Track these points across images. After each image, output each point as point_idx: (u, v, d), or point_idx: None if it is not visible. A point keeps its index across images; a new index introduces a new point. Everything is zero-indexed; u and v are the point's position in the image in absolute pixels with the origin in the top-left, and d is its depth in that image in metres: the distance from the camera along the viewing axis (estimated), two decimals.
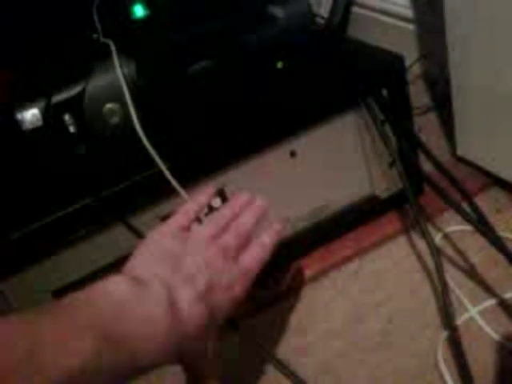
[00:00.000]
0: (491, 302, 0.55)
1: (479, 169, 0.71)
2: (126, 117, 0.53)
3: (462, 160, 0.74)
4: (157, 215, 0.55)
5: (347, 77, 0.63)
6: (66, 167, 0.54)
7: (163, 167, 0.51)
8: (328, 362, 0.55)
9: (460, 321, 0.54)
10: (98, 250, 0.54)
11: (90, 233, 0.53)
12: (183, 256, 0.41)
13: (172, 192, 0.51)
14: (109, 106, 0.54)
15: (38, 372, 0.28)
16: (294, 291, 0.63)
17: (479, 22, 0.60)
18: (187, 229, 0.45)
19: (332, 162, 0.64)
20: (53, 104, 0.53)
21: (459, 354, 0.50)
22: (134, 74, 0.55)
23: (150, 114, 0.54)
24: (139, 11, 0.61)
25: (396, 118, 0.62)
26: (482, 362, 0.50)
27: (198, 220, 0.47)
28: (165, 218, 0.55)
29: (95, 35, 0.62)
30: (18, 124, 0.53)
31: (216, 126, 0.57)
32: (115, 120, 0.54)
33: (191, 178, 0.54)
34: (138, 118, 0.53)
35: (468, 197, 0.59)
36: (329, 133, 0.62)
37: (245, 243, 0.46)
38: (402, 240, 0.66)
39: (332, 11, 0.97)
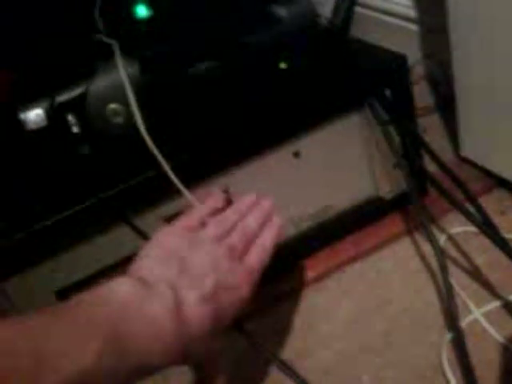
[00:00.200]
0: (495, 303, 0.55)
1: (483, 170, 0.70)
2: (130, 117, 0.53)
3: (465, 161, 0.73)
4: (160, 216, 0.55)
5: (350, 77, 0.62)
6: (69, 167, 0.54)
7: (167, 167, 0.51)
8: (331, 363, 0.54)
9: (464, 322, 0.54)
10: (101, 250, 0.54)
11: (93, 233, 0.53)
12: (189, 257, 0.41)
13: (175, 192, 0.51)
14: (112, 106, 0.54)
15: (43, 375, 0.28)
16: (297, 292, 0.63)
17: (483, 23, 0.60)
18: (193, 230, 0.45)
19: (335, 162, 0.63)
20: (56, 104, 0.53)
21: (463, 356, 0.50)
22: (138, 74, 0.55)
23: (153, 115, 0.53)
24: (142, 11, 0.61)
25: (399, 118, 0.62)
26: (486, 363, 0.50)
27: (204, 222, 0.47)
28: (168, 219, 0.55)
29: (98, 35, 0.62)
30: (21, 124, 0.53)
31: (219, 126, 0.57)
32: (119, 120, 0.54)
33: (195, 179, 0.54)
34: (142, 118, 0.53)
35: (472, 198, 0.59)
36: (332, 133, 0.62)
37: (249, 243, 0.46)
38: (406, 241, 0.66)
39: (335, 11, 0.96)
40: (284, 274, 0.64)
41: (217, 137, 0.56)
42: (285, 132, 0.59)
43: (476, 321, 0.54)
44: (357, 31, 1.05)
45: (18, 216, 0.53)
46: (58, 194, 0.53)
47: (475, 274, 0.59)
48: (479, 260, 0.60)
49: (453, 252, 0.62)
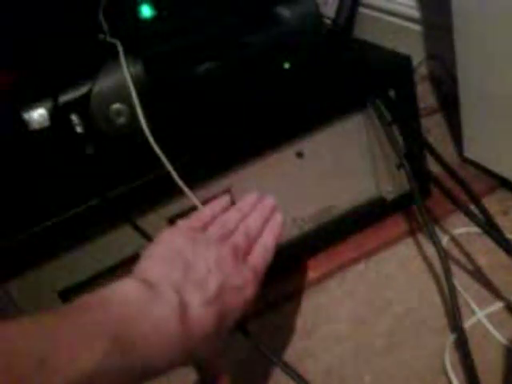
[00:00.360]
0: (499, 304, 0.55)
1: (486, 170, 0.70)
2: (133, 117, 0.53)
3: (468, 161, 0.73)
4: (163, 216, 0.55)
5: (354, 77, 0.62)
6: (72, 168, 0.54)
7: (170, 168, 0.51)
8: (334, 364, 0.54)
9: (467, 324, 0.53)
10: (105, 250, 0.54)
11: (96, 233, 0.53)
12: (193, 257, 0.41)
13: (179, 193, 0.51)
14: (116, 106, 0.54)
15: (50, 376, 0.28)
16: (299, 292, 0.63)
17: (487, 23, 0.59)
18: (197, 231, 0.45)
19: (339, 163, 0.63)
20: (60, 104, 0.53)
21: (466, 357, 0.50)
22: (141, 75, 0.55)
23: (157, 115, 0.53)
24: (146, 11, 0.61)
25: (403, 118, 0.62)
26: (489, 364, 0.49)
27: (207, 223, 0.47)
28: (172, 219, 0.55)
29: (102, 35, 0.62)
30: (25, 124, 0.53)
31: (223, 126, 0.57)
32: (122, 120, 0.54)
33: (198, 179, 0.54)
34: (145, 118, 0.53)
35: (475, 198, 0.59)
36: (336, 134, 0.62)
37: (252, 243, 0.46)
38: (409, 242, 0.66)
39: (338, 12, 0.96)
40: (286, 274, 0.64)
41: (220, 137, 0.56)
42: (288, 132, 0.59)
43: (479, 322, 0.54)
44: (360, 31, 1.05)
45: (22, 216, 0.53)
46: (61, 194, 0.53)
47: (478, 274, 0.59)
48: (482, 261, 0.60)
49: (456, 253, 0.62)
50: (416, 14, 0.96)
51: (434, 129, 0.80)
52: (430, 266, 0.62)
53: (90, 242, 0.53)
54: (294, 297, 0.63)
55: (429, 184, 0.67)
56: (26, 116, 0.53)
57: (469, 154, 0.73)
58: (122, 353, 0.32)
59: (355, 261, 0.65)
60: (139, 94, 0.53)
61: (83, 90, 0.54)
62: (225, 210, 0.49)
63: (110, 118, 0.54)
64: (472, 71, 0.66)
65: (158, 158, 0.51)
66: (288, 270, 0.64)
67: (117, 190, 0.52)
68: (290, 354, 0.56)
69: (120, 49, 0.57)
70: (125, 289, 0.36)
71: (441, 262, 0.56)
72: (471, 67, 0.66)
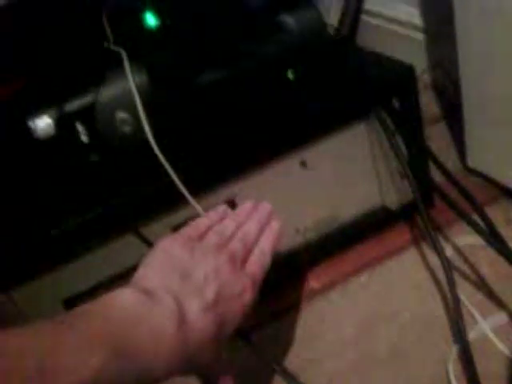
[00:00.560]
0: (502, 315, 0.55)
1: (490, 180, 0.70)
2: (138, 126, 0.53)
3: (472, 170, 0.73)
4: (168, 225, 0.55)
5: (357, 87, 0.63)
6: (77, 176, 0.55)
7: (174, 176, 0.51)
8: (337, 374, 0.54)
9: (471, 334, 0.53)
10: (110, 259, 0.54)
11: (101, 242, 0.53)
12: (192, 266, 0.41)
13: (183, 202, 0.51)
14: (121, 115, 0.54)
15: (50, 383, 0.28)
16: (302, 302, 0.63)
17: (491, 32, 0.60)
18: (195, 239, 0.45)
19: (342, 172, 0.63)
20: (65, 113, 0.53)
21: (470, 368, 0.50)
22: (146, 83, 0.55)
23: (161, 124, 0.54)
24: (151, 20, 0.62)
25: (407, 128, 0.62)
26: (493, 375, 0.49)
27: (206, 232, 0.47)
28: (176, 228, 0.55)
29: (106, 43, 0.62)
30: (30, 132, 0.53)
31: (227, 136, 0.57)
32: (127, 129, 0.54)
33: (202, 188, 0.54)
34: (150, 127, 0.53)
35: (479, 208, 0.59)
36: (339, 143, 0.62)
37: (250, 250, 0.46)
38: (412, 251, 0.66)
39: (341, 20, 0.97)
40: (290, 284, 0.64)
41: (224, 146, 0.56)
42: (292, 141, 0.59)
43: (482, 332, 0.54)
44: (363, 39, 1.05)
45: (26, 224, 0.53)
46: (66, 203, 0.53)
47: (482, 284, 0.59)
48: (486, 271, 0.60)
49: (459, 263, 0.62)
50: (419, 22, 0.96)
51: (437, 138, 0.80)
52: (433, 275, 0.62)
53: (94, 251, 0.53)
54: (297, 306, 0.63)
55: (432, 194, 0.67)
56: (31, 124, 0.53)
57: (472, 163, 0.73)
58: (122, 360, 0.32)
59: (359, 270, 0.65)
60: (144, 103, 0.54)
61: (88, 98, 0.54)
62: (222, 218, 0.49)
63: (115, 126, 0.54)
64: (475, 80, 0.66)
65: (163, 167, 0.51)
66: (291, 280, 0.64)
67: (121, 198, 0.52)
68: (293, 364, 0.56)
69: (124, 57, 0.57)
70: (123, 297, 0.36)
71: (444, 272, 0.56)
72: (474, 76, 0.66)
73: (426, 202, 0.64)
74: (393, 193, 0.67)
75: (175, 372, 0.37)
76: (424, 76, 0.93)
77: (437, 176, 0.63)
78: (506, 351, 0.51)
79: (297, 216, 0.63)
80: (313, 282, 0.64)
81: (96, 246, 0.53)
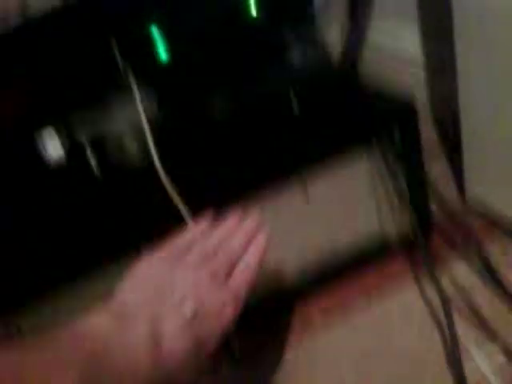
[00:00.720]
0: (498, 350, 0.55)
1: (488, 214, 0.71)
2: (146, 153, 0.55)
3: (471, 203, 0.74)
4: None
5: (359, 119, 0.64)
6: (86, 200, 0.56)
7: (180, 203, 0.52)
8: None
9: (467, 368, 0.53)
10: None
11: (106, 266, 0.54)
12: (170, 282, 0.41)
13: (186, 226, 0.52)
14: (130, 142, 0.55)
15: None
16: (300, 329, 0.63)
17: (493, 68, 0.61)
18: (176, 257, 0.45)
19: (343, 202, 0.65)
20: (76, 139, 0.55)
21: None
22: (156, 113, 0.57)
23: (169, 152, 0.55)
24: (161, 51, 0.63)
25: (407, 160, 0.64)
26: None
27: (188, 248, 0.47)
28: None
29: (117, 72, 0.64)
30: (41, 156, 0.54)
31: (232, 165, 0.59)
32: (135, 156, 0.56)
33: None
34: (158, 154, 0.54)
35: (476, 244, 0.59)
36: (341, 173, 0.63)
37: (234, 265, 0.45)
38: (410, 282, 0.66)
39: (344, 52, 0.99)
40: (289, 310, 0.65)
41: (227, 175, 0.58)
42: (294, 170, 0.61)
43: (478, 367, 0.54)
44: (365, 71, 1.07)
45: (32, 250, 0.53)
46: (71, 228, 0.54)
47: (479, 318, 0.59)
48: (483, 304, 0.60)
49: (457, 296, 0.62)
50: (421, 55, 0.98)
51: (437, 170, 0.81)
52: (430, 307, 0.62)
53: (100, 276, 0.54)
54: (294, 333, 0.63)
55: (431, 225, 0.68)
56: (41, 148, 0.55)
57: (471, 195, 0.74)
58: None
59: (357, 299, 0.65)
60: (153, 131, 0.55)
61: (99, 126, 0.56)
62: (206, 233, 0.49)
63: (123, 153, 0.56)
64: (475, 114, 0.67)
65: (169, 193, 0.53)
66: (291, 307, 0.65)
67: (127, 223, 0.53)
68: None
69: (135, 86, 0.59)
70: (96, 322, 0.36)
71: (442, 305, 0.57)
72: (474, 110, 0.67)
73: (425, 233, 0.64)
74: (392, 223, 0.68)
75: None
76: (425, 108, 0.95)
77: (435, 209, 0.64)
78: None
79: (297, 243, 0.64)
80: (311, 309, 0.65)
81: (102, 270, 0.54)
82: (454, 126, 0.83)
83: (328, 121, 0.63)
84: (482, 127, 0.67)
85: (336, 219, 0.65)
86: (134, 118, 0.56)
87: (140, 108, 0.56)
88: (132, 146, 0.56)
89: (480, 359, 0.55)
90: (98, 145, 0.55)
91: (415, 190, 0.64)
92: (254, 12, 0.65)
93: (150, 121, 0.56)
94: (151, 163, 0.55)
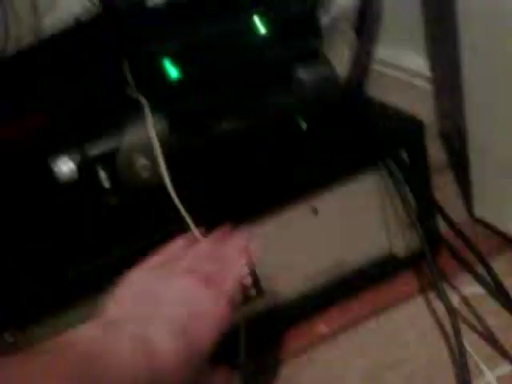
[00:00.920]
0: (508, 366, 0.55)
1: (496, 230, 0.71)
2: (157, 173, 0.56)
3: (478, 220, 0.74)
4: None
5: (367, 138, 0.65)
6: (97, 220, 0.57)
7: (190, 222, 0.53)
8: None
9: None
10: None
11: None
12: (158, 292, 0.42)
13: None
14: (141, 161, 0.57)
15: None
16: (310, 348, 0.64)
17: (498, 85, 0.61)
18: (164, 266, 0.45)
19: (352, 220, 0.65)
20: (88, 158, 0.56)
21: None
22: (166, 132, 0.58)
23: (180, 171, 0.56)
24: (171, 70, 0.65)
25: (414, 178, 0.64)
26: None
27: (178, 257, 0.47)
28: None
29: (129, 91, 0.65)
30: (53, 176, 0.55)
31: (240, 182, 0.60)
32: (146, 175, 0.57)
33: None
34: (168, 174, 0.55)
35: (484, 260, 0.60)
36: (350, 192, 0.64)
37: (223, 271, 0.46)
38: (419, 300, 0.66)
39: (351, 71, 1.00)
40: (298, 329, 0.65)
41: (237, 193, 0.59)
42: (304, 189, 0.61)
43: (488, 383, 0.54)
44: (372, 89, 1.08)
45: (41, 267, 0.54)
46: (82, 246, 0.55)
47: (487, 334, 0.59)
48: (492, 321, 0.60)
49: (465, 312, 0.63)
50: (427, 72, 0.99)
51: (445, 187, 0.81)
52: (439, 324, 0.62)
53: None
54: (304, 351, 0.63)
55: (439, 243, 0.69)
56: (54, 168, 0.56)
57: (478, 212, 0.74)
58: None
59: (366, 317, 0.65)
60: (163, 151, 0.56)
61: (110, 144, 0.57)
62: (196, 242, 0.49)
63: (134, 172, 0.57)
64: (481, 130, 0.68)
65: (179, 212, 0.53)
66: (299, 325, 0.65)
67: (138, 243, 0.54)
68: None
69: (146, 106, 0.60)
70: (86, 333, 0.36)
71: (451, 322, 0.57)
72: (481, 126, 0.67)
73: (433, 251, 0.65)
74: (401, 241, 0.68)
75: None
76: (432, 125, 0.95)
77: (443, 226, 0.64)
78: None
79: (306, 262, 0.64)
80: (321, 328, 0.65)
81: (109, 286, 0.54)
82: (460, 143, 0.84)
83: (336, 140, 0.64)
84: (489, 143, 0.67)
85: (345, 237, 0.66)
86: (144, 135, 0.57)
87: (150, 126, 0.57)
88: (142, 164, 0.57)
89: (489, 374, 0.55)
90: (109, 162, 0.56)
91: (423, 207, 0.65)
92: (262, 30, 0.66)
93: (160, 139, 0.57)
94: (161, 181, 0.55)
